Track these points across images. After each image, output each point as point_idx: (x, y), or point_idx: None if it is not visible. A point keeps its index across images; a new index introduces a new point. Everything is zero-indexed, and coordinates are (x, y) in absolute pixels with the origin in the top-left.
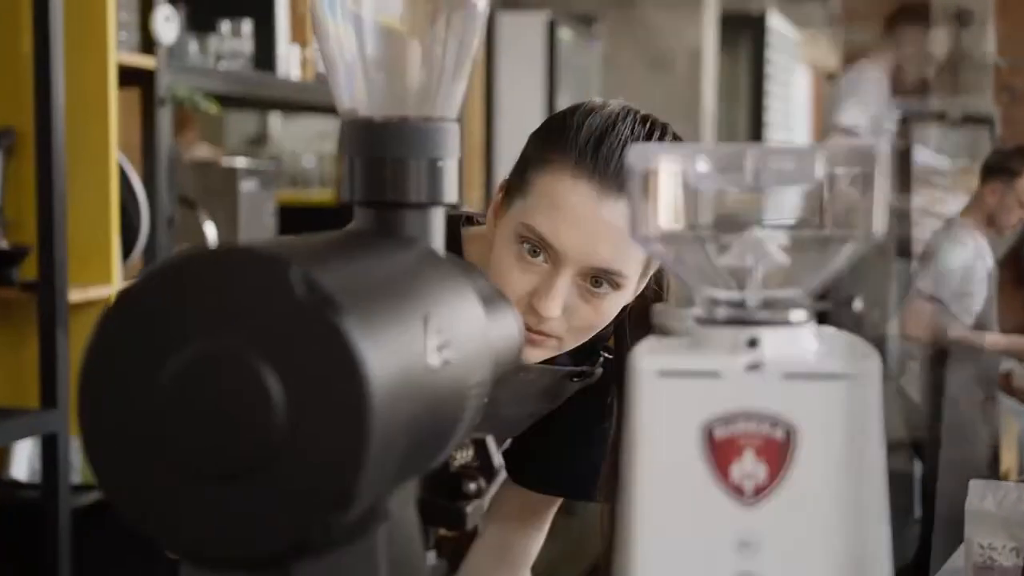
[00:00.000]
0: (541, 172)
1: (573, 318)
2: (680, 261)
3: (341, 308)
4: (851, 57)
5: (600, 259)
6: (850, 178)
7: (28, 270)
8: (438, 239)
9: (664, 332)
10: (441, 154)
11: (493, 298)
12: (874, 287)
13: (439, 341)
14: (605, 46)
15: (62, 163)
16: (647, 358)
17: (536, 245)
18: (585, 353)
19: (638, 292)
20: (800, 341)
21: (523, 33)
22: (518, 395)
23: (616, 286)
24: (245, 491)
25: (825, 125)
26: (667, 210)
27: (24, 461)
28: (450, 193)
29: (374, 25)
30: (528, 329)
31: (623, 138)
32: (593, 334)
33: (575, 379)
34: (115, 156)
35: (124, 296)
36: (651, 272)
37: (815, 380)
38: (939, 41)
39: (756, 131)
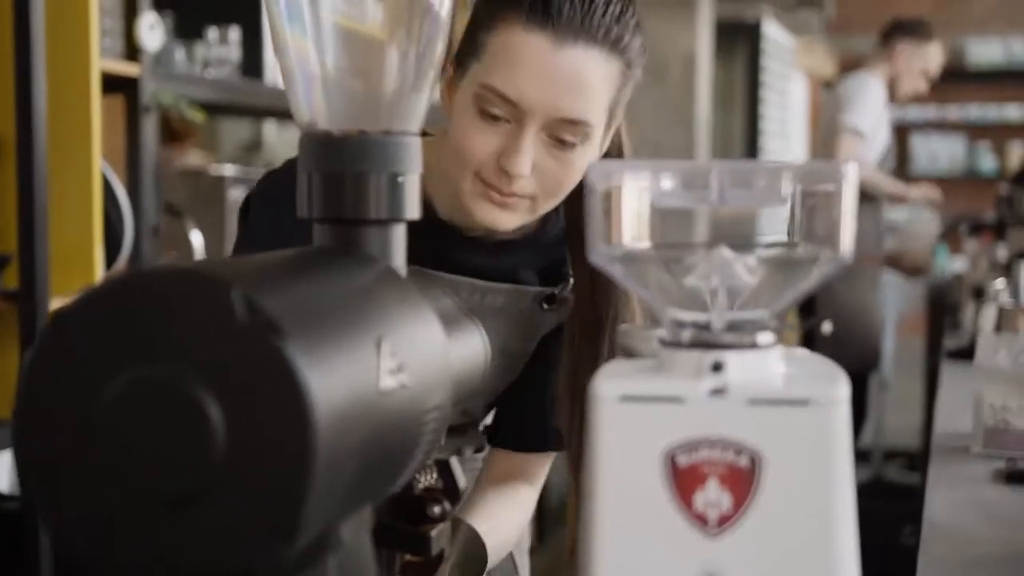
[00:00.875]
0: (493, 31)
1: (543, 176)
2: (643, 281)
3: (284, 332)
4: (847, 65)
5: (563, 109)
6: (818, 198)
7: (9, 279)
8: (399, 256)
9: (629, 354)
10: (402, 169)
11: (456, 317)
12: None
13: (393, 364)
14: None
15: (44, 171)
16: (608, 383)
17: (496, 105)
18: (552, 278)
19: (604, 148)
20: (767, 365)
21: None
22: (495, 333)
23: (583, 137)
24: (187, 519)
25: (824, 129)
26: (630, 228)
27: (5, 473)
28: (411, 209)
29: (333, 36)
30: (500, 192)
31: None
32: (564, 194)
33: (546, 305)
34: (98, 164)
35: (61, 317)
36: (615, 124)
37: (781, 406)
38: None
39: (752, 139)
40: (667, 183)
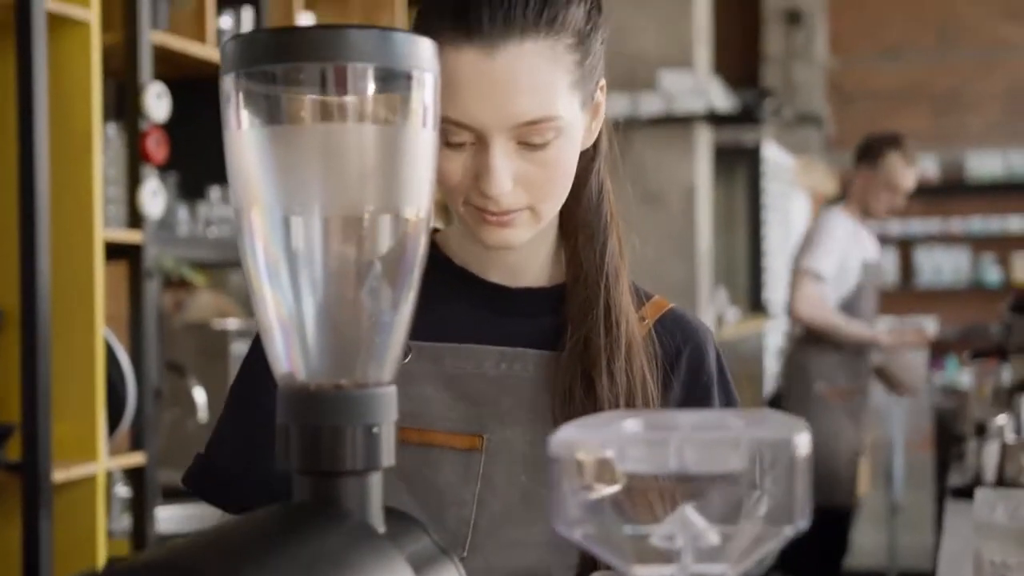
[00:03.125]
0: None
1: (530, 184)
2: (608, 541)
3: None
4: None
5: (518, 114)
6: (773, 470)
7: (12, 450)
8: (375, 506)
9: None
10: (377, 419)
11: (434, 558)
12: None
13: None
14: None
15: (47, 342)
16: None
17: (455, 133)
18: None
19: (594, 132)
20: None
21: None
22: (523, 406)
23: (555, 132)
24: None
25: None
26: (594, 491)
27: None
28: (388, 457)
29: (310, 294)
30: (492, 214)
31: None
32: (565, 191)
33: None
34: (101, 333)
35: None
36: (596, 96)
37: None
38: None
39: (755, 260)
40: (630, 451)
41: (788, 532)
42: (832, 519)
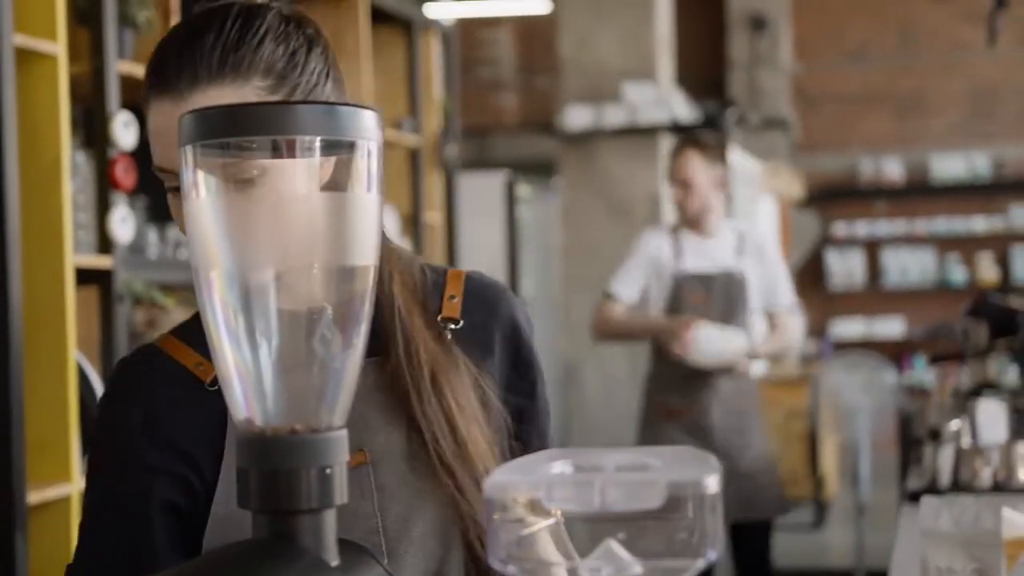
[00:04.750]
0: (147, 113)
1: None
2: (539, 574)
3: None
4: (814, 184)
5: None
6: (687, 507)
7: None
8: (329, 541)
9: None
10: (330, 461)
11: None
12: None
13: None
14: (564, 195)
15: (20, 366)
16: None
17: (169, 179)
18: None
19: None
20: None
21: (483, 191)
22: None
23: (260, 170)
24: None
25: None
26: (526, 528)
27: None
28: (340, 495)
29: (266, 345)
30: None
31: (187, 33)
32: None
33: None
34: (73, 357)
35: None
36: None
37: None
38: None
39: None
40: (557, 491)
41: (701, 563)
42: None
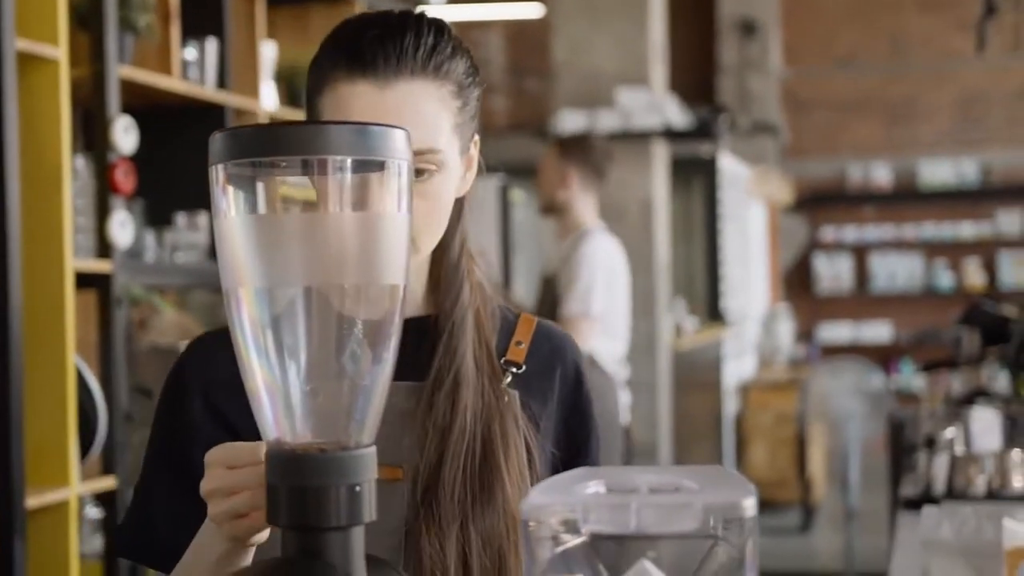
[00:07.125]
0: (323, 93)
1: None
2: None
3: None
4: (803, 190)
5: None
6: (724, 529)
7: None
8: (357, 557)
9: None
10: (359, 479)
11: None
12: None
13: None
14: None
15: (20, 370)
16: None
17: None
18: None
19: (467, 183)
20: None
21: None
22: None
23: (438, 165)
24: None
25: None
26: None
27: None
28: (369, 512)
29: (295, 364)
30: None
31: (383, 25)
32: (441, 228)
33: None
34: (72, 360)
35: None
36: (472, 146)
37: None
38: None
39: (712, 269)
40: (593, 513)
41: None
42: None
